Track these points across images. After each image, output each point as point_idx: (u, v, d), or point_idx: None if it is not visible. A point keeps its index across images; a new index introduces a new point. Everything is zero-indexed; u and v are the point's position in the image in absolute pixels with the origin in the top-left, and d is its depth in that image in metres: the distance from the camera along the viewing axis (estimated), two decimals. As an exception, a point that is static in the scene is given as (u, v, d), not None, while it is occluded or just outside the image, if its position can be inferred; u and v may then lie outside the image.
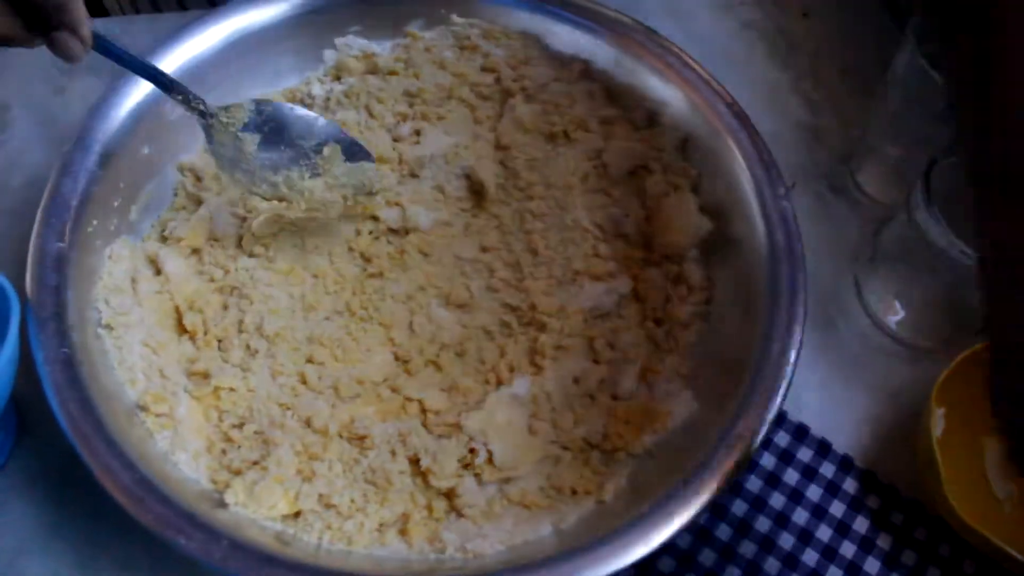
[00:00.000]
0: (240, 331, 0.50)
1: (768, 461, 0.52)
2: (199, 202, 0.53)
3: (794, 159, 0.62)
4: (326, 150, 0.50)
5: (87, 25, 0.41)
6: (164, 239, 0.52)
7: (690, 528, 0.45)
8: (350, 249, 0.54)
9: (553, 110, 0.57)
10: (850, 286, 0.58)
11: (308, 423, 0.48)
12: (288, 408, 0.48)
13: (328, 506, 0.45)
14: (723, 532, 0.50)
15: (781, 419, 0.53)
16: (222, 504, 0.44)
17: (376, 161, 0.55)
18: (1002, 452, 0.53)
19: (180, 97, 0.47)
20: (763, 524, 0.51)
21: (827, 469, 0.53)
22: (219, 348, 0.50)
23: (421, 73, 0.58)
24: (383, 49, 0.59)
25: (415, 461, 0.47)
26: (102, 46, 0.43)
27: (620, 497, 0.46)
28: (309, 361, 0.50)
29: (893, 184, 0.60)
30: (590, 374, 0.51)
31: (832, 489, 0.52)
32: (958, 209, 0.48)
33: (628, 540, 0.41)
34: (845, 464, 0.53)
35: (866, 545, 0.51)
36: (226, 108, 0.49)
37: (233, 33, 0.55)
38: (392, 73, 0.58)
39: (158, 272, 0.51)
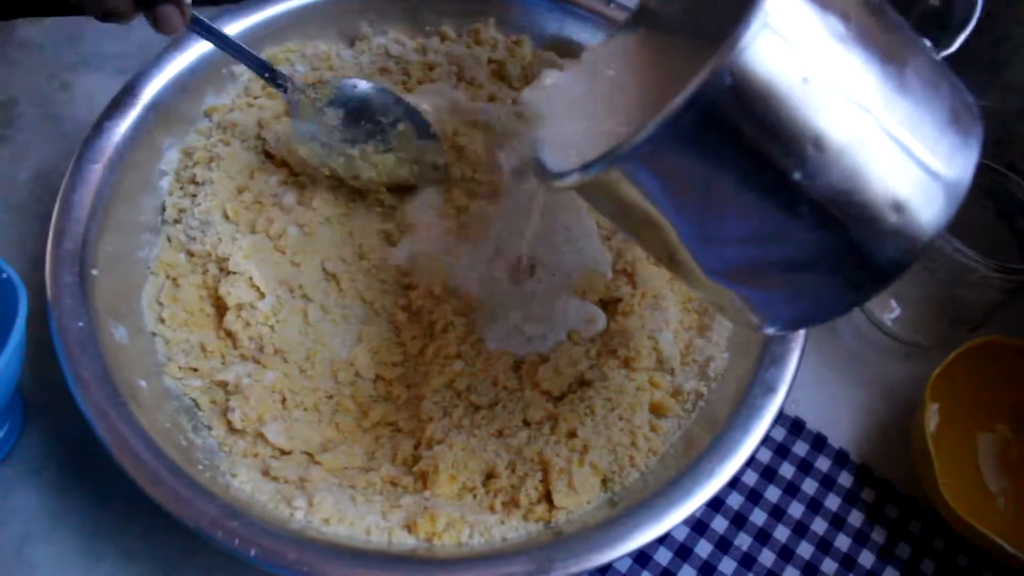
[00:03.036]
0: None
1: (764, 455, 0.53)
2: (194, 182, 0.54)
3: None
4: (400, 126, 0.54)
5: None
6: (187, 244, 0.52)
7: (686, 520, 0.46)
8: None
9: None
10: (846, 283, 0.59)
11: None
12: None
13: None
14: (719, 524, 0.51)
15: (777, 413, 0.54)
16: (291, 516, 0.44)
17: None
18: (995, 447, 0.54)
19: (268, 75, 0.51)
20: (759, 517, 0.51)
21: (822, 463, 0.53)
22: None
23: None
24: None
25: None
26: (198, 25, 0.47)
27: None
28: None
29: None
30: None
31: (827, 483, 0.53)
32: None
33: (691, 484, 0.43)
34: (840, 458, 0.53)
35: (860, 538, 0.51)
36: (313, 86, 0.53)
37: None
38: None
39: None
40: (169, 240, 0.52)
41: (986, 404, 0.54)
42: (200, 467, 0.44)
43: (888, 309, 0.57)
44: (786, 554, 0.50)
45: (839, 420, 0.55)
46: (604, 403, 0.48)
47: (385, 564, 0.41)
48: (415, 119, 0.54)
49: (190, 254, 0.52)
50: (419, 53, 0.60)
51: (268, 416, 0.47)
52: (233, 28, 0.55)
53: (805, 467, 0.53)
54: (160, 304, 0.50)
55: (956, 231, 0.48)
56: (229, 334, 0.50)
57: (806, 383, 0.55)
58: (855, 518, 0.52)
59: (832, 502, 0.52)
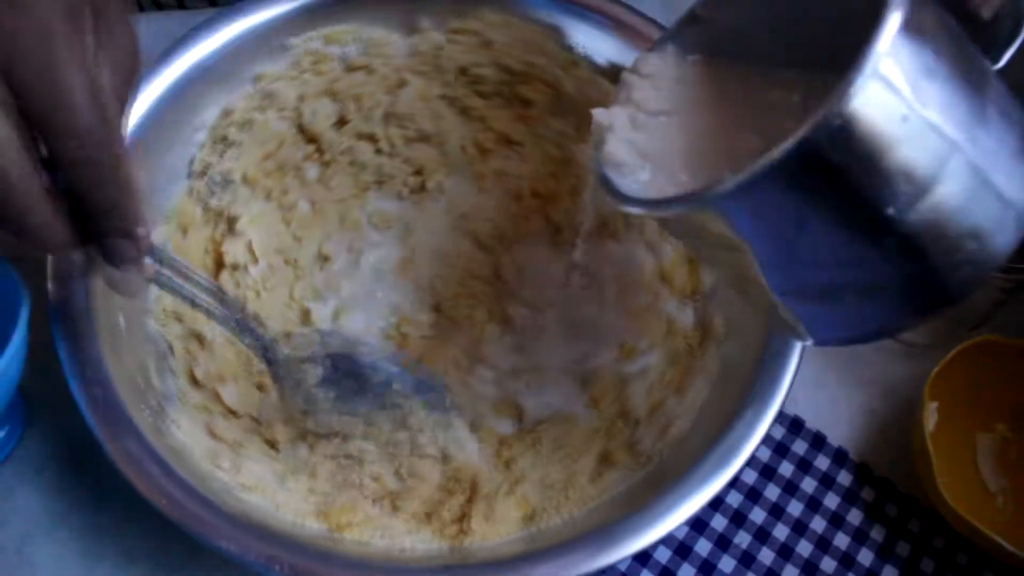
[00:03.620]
0: None
1: (763, 453, 0.53)
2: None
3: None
4: (406, 404, 0.49)
5: (143, 228, 0.34)
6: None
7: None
8: None
9: None
10: (845, 282, 0.59)
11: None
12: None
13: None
14: (718, 523, 0.51)
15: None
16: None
17: None
18: (994, 446, 0.54)
19: (248, 341, 0.45)
20: (758, 515, 0.51)
21: (821, 462, 0.53)
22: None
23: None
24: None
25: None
26: (160, 263, 0.39)
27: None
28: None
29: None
30: None
31: (826, 482, 0.53)
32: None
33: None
34: (839, 457, 0.54)
35: (860, 537, 0.51)
36: (298, 363, 0.47)
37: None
38: None
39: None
40: (190, 192, 0.51)
41: (985, 403, 0.54)
42: (145, 410, 0.43)
43: (887, 308, 0.58)
44: (786, 552, 0.51)
45: (838, 419, 0.55)
46: (553, 440, 0.48)
47: (287, 545, 0.40)
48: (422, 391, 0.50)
49: (206, 208, 0.52)
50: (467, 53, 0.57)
51: (229, 376, 0.48)
52: (289, 2, 0.53)
53: (804, 466, 0.53)
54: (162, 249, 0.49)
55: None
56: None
57: (805, 382, 0.55)
58: (854, 517, 0.52)
59: (831, 501, 0.52)
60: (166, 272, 0.40)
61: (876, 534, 0.52)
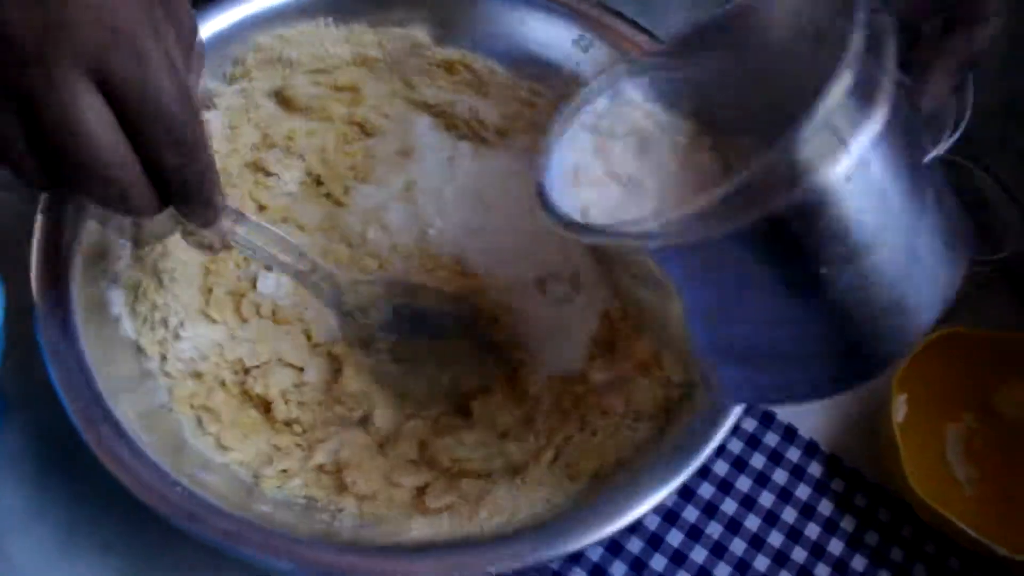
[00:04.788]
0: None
1: (735, 445, 0.54)
2: None
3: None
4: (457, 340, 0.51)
5: (220, 196, 0.39)
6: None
7: (657, 510, 0.46)
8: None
9: None
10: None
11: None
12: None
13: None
14: (690, 514, 0.51)
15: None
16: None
17: None
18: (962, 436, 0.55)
19: (321, 296, 0.47)
20: (729, 506, 0.52)
21: (793, 454, 0.54)
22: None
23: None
24: None
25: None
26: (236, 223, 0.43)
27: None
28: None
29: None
30: None
31: (798, 473, 0.53)
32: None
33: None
34: (811, 449, 0.54)
35: (830, 527, 0.52)
36: (364, 310, 0.49)
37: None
38: None
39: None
40: (168, 375, 0.48)
41: (954, 395, 0.55)
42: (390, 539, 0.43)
43: (859, 303, 0.58)
44: (757, 543, 0.51)
45: (809, 411, 0.55)
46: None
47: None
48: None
49: (197, 376, 0.48)
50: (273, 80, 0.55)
51: (386, 467, 0.47)
52: None
53: (775, 458, 0.54)
54: (209, 435, 0.47)
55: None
56: (287, 424, 0.48)
57: (777, 375, 0.56)
58: (824, 507, 0.53)
59: (802, 492, 0.53)
60: (240, 232, 0.43)
61: (846, 524, 0.52)
